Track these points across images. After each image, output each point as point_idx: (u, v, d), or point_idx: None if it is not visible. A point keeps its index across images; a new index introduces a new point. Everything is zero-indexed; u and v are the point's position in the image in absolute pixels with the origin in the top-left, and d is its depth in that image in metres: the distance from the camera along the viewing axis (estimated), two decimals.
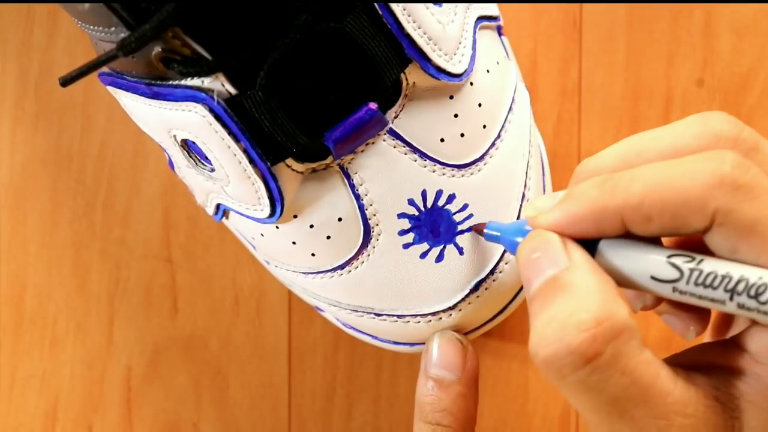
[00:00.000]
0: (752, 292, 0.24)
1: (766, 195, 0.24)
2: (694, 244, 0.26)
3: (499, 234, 0.30)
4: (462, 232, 0.33)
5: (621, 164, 0.26)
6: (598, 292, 0.25)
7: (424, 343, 0.34)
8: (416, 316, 0.34)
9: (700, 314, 0.29)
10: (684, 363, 0.27)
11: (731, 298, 0.24)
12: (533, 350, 0.25)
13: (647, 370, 0.24)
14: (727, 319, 0.29)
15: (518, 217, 0.34)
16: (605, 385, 0.24)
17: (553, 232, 0.26)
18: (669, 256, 0.25)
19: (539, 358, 0.24)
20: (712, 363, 0.26)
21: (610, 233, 0.26)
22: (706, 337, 0.29)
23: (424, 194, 0.33)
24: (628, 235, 0.26)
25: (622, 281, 0.26)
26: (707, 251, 0.25)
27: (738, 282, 0.24)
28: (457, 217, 0.33)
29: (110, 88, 0.33)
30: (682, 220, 0.24)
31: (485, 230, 0.30)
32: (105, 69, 0.33)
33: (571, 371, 0.24)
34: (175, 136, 0.32)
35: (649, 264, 0.25)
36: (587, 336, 0.24)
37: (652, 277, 0.25)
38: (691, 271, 0.25)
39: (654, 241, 0.26)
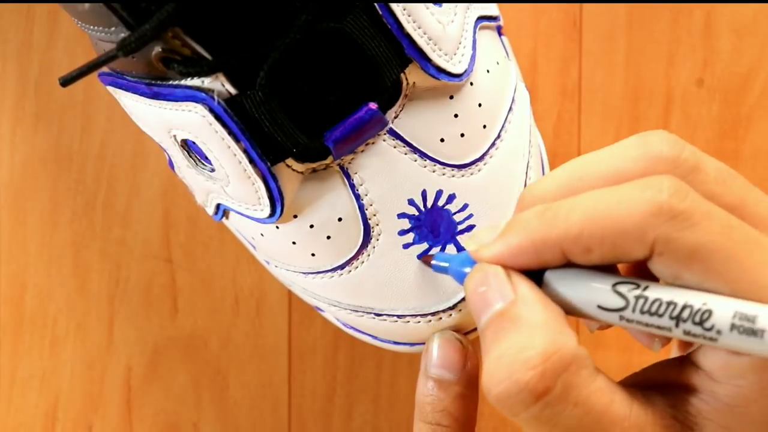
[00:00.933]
0: (697, 319, 0.24)
1: (705, 220, 0.24)
2: (643, 267, 0.26)
3: (447, 265, 0.30)
4: (462, 232, 0.33)
5: (563, 190, 0.26)
6: (544, 326, 0.24)
7: (424, 343, 0.34)
8: (416, 316, 0.34)
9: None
10: (641, 382, 0.27)
11: (677, 325, 0.24)
12: (485, 388, 0.25)
13: (600, 399, 0.24)
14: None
15: None
16: (559, 419, 0.24)
17: (497, 265, 0.26)
18: (614, 284, 0.25)
19: (491, 396, 0.24)
20: (669, 381, 0.26)
21: (552, 264, 0.25)
22: (672, 347, 0.29)
23: (424, 194, 0.33)
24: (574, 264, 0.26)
25: (570, 310, 0.26)
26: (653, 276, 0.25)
27: (683, 309, 0.24)
28: (457, 217, 0.33)
29: (110, 88, 0.33)
30: (622, 250, 0.24)
31: (433, 262, 0.30)
32: (105, 69, 0.33)
33: (522, 408, 0.24)
34: (175, 136, 0.32)
35: (595, 293, 0.25)
36: (536, 373, 0.24)
37: (599, 306, 0.25)
38: (637, 299, 0.24)
39: (602, 267, 0.26)
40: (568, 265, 0.26)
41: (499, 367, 0.24)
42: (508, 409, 0.24)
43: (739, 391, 0.25)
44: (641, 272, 0.26)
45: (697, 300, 0.24)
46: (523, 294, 0.25)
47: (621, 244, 0.24)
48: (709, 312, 0.24)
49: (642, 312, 0.25)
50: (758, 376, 0.24)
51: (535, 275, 0.26)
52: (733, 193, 0.25)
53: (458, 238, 0.33)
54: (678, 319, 0.24)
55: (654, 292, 0.24)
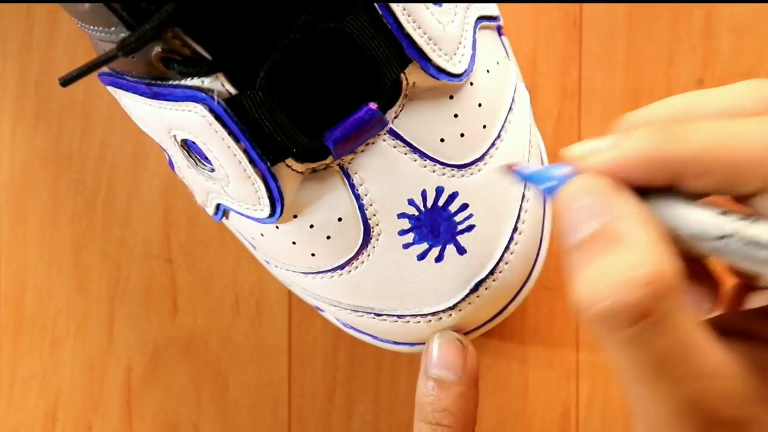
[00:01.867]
0: None
1: None
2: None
3: (533, 174, 0.27)
4: (462, 232, 0.33)
5: (669, 121, 0.25)
6: (654, 246, 0.23)
7: (424, 343, 0.34)
8: (416, 316, 0.34)
9: (709, 291, 0.29)
10: (724, 327, 0.26)
11: None
12: (582, 304, 0.23)
13: (693, 330, 0.24)
14: (739, 295, 0.29)
15: (518, 217, 0.34)
16: (653, 343, 0.23)
17: (605, 177, 0.25)
18: (722, 212, 0.24)
19: (590, 313, 0.23)
20: (749, 330, 0.26)
21: (661, 183, 0.24)
22: (717, 312, 0.29)
23: (424, 194, 0.33)
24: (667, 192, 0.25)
25: (673, 238, 0.25)
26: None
27: None
28: (457, 218, 0.33)
29: (110, 88, 0.33)
30: (739, 179, 0.24)
31: (519, 169, 0.28)
32: (105, 69, 0.33)
33: (621, 328, 0.23)
34: (175, 136, 0.32)
35: (703, 217, 0.24)
36: (645, 291, 0.23)
37: (718, 236, 0.24)
38: (745, 226, 0.24)
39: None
40: (666, 193, 0.25)
41: (602, 282, 0.23)
42: (606, 327, 0.23)
43: None
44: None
45: None
46: (631, 210, 0.24)
47: (740, 173, 0.24)
48: None
49: (746, 243, 0.24)
50: None
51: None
52: None
53: (458, 238, 0.33)
54: None
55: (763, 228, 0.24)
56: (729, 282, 0.29)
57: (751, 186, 0.24)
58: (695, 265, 0.29)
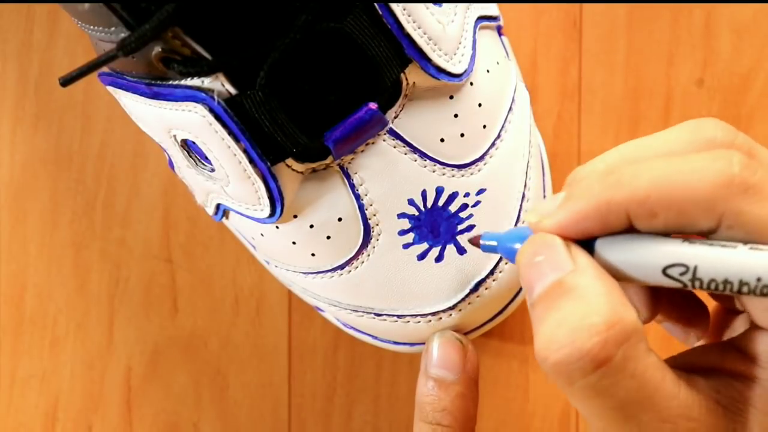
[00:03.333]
0: (757, 293, 0.23)
1: None
2: None
3: (496, 244, 0.29)
4: (462, 232, 0.33)
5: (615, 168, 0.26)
6: (607, 296, 0.24)
7: (424, 343, 0.34)
8: (416, 316, 0.34)
9: (698, 320, 0.29)
10: (683, 365, 0.26)
11: (739, 292, 0.24)
12: (541, 354, 0.24)
13: (654, 374, 0.24)
14: (725, 323, 0.29)
15: (518, 217, 0.34)
16: (614, 390, 0.24)
17: (555, 235, 0.26)
18: (665, 268, 0.24)
19: (549, 362, 0.24)
20: (711, 366, 0.26)
21: (614, 228, 0.25)
22: (706, 341, 0.29)
23: (424, 194, 0.33)
24: (618, 233, 0.25)
25: (626, 277, 0.25)
26: None
27: (740, 286, 0.24)
28: (457, 218, 0.33)
29: (110, 88, 0.33)
30: (689, 219, 0.24)
31: (481, 242, 0.30)
32: (105, 69, 0.33)
33: (581, 376, 0.24)
34: (175, 136, 0.32)
35: (665, 255, 0.24)
36: (599, 340, 0.23)
37: (665, 270, 0.24)
38: (691, 281, 0.24)
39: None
40: (615, 234, 0.25)
41: (559, 333, 0.24)
42: (565, 376, 0.24)
43: None
44: None
45: (751, 275, 0.23)
46: (582, 264, 0.25)
47: (689, 213, 0.24)
48: (763, 292, 0.23)
49: (699, 288, 0.24)
50: None
51: (587, 246, 0.25)
52: None
53: (458, 238, 0.33)
54: (739, 292, 0.24)
55: (706, 272, 0.24)
56: (715, 311, 0.29)
57: (703, 225, 0.24)
58: (682, 295, 0.29)
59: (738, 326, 0.28)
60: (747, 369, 0.25)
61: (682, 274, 0.24)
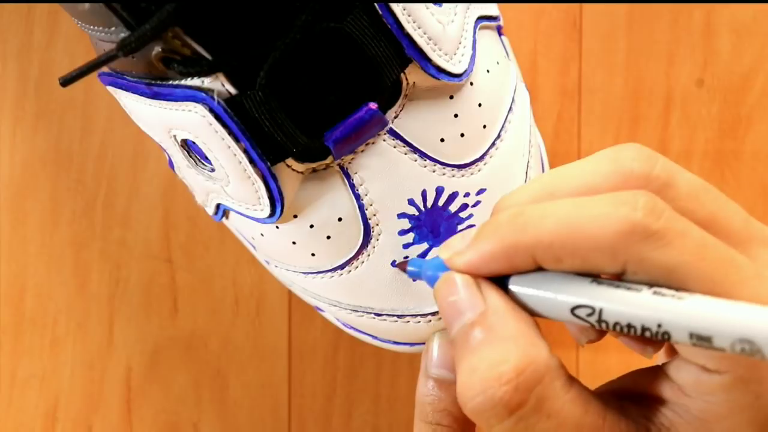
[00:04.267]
0: (659, 337, 0.23)
1: (679, 239, 0.23)
2: None
3: (419, 270, 0.30)
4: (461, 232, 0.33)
5: (535, 203, 0.26)
6: (516, 338, 0.24)
7: (424, 343, 0.34)
8: (416, 316, 0.34)
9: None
10: (617, 391, 0.27)
11: (643, 335, 0.24)
12: (460, 399, 0.25)
13: (573, 409, 0.24)
14: None
15: None
16: (533, 431, 0.24)
17: (466, 275, 0.26)
18: (572, 309, 0.24)
19: (466, 409, 0.25)
20: (643, 391, 0.26)
21: (523, 269, 0.25)
22: (661, 354, 0.29)
23: (424, 194, 0.33)
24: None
25: (538, 314, 0.26)
26: None
27: (643, 330, 0.24)
28: (457, 218, 0.33)
29: (110, 88, 0.33)
30: (593, 264, 0.24)
31: (407, 267, 0.30)
32: (105, 69, 0.33)
33: (497, 422, 0.24)
34: (175, 136, 0.32)
35: (573, 296, 0.25)
36: (509, 388, 0.24)
37: (573, 310, 0.25)
38: (598, 322, 0.24)
39: None
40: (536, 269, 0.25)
41: (472, 381, 0.24)
42: (483, 422, 0.25)
43: (709, 407, 0.25)
44: None
45: (652, 322, 0.23)
46: (493, 304, 0.25)
47: (592, 259, 0.24)
48: (668, 333, 0.23)
49: (607, 328, 0.24)
50: (728, 395, 0.24)
51: (501, 281, 0.26)
52: (706, 209, 0.25)
53: None
54: (642, 336, 0.24)
55: (611, 315, 0.24)
56: None
57: (609, 270, 0.24)
58: None
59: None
60: (675, 397, 0.25)
61: (589, 315, 0.24)
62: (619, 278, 0.24)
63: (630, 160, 0.25)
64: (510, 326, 0.25)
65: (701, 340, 0.23)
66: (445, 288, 0.26)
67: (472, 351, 0.25)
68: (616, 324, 0.24)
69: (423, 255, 0.33)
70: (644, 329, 0.23)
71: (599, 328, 0.24)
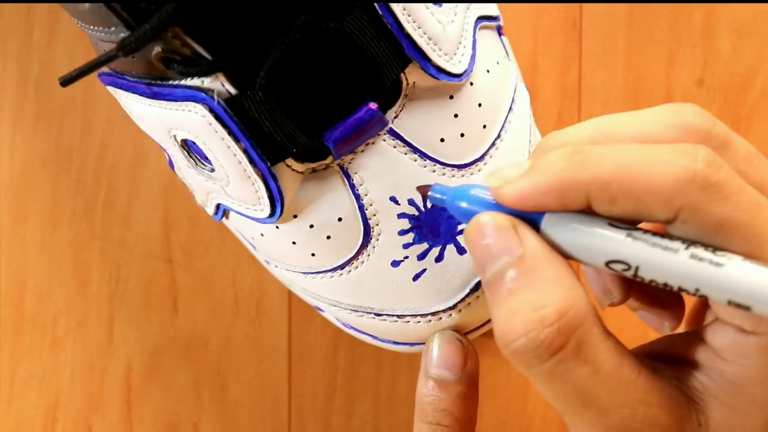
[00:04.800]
0: (696, 296, 0.24)
1: (736, 195, 0.23)
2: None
3: (444, 197, 0.28)
4: (462, 232, 0.33)
5: (588, 143, 0.26)
6: (557, 281, 0.24)
7: (424, 343, 0.34)
8: (416, 316, 0.34)
9: (673, 309, 0.29)
10: (650, 353, 0.27)
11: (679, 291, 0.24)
12: (500, 342, 0.25)
13: (610, 358, 0.24)
14: (699, 312, 0.29)
15: None
16: (569, 375, 0.24)
17: (502, 217, 0.26)
18: (607, 263, 0.24)
19: (506, 351, 0.25)
20: (677, 355, 0.26)
21: (572, 209, 0.25)
22: (681, 330, 0.29)
23: None
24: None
25: (571, 258, 0.25)
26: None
27: (679, 290, 0.24)
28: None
29: (110, 88, 0.33)
30: (647, 209, 0.24)
31: (430, 193, 0.29)
32: (105, 69, 0.33)
33: (537, 363, 0.24)
34: (175, 136, 0.32)
35: (608, 251, 0.24)
36: (552, 330, 0.24)
37: (608, 263, 0.25)
38: (633, 277, 0.24)
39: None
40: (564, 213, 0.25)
41: (513, 324, 0.24)
42: (523, 364, 0.25)
43: (744, 371, 0.25)
44: None
45: (691, 285, 0.24)
46: (531, 247, 0.25)
47: (647, 203, 0.24)
48: (705, 296, 0.23)
49: (641, 281, 0.24)
50: (764, 358, 0.24)
51: (531, 222, 0.25)
52: (759, 174, 0.25)
53: (458, 238, 0.33)
54: (679, 292, 0.24)
55: (647, 273, 0.24)
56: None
57: (661, 216, 0.24)
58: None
59: (712, 316, 0.28)
60: (710, 361, 0.25)
61: (624, 270, 0.24)
62: (663, 227, 0.24)
63: (692, 115, 0.25)
64: (550, 269, 0.25)
65: (739, 306, 0.23)
66: (479, 230, 0.26)
67: (510, 294, 0.25)
68: (651, 281, 0.24)
69: (423, 255, 0.33)
70: (681, 289, 0.24)
71: (634, 279, 0.25)
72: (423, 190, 0.30)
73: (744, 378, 0.25)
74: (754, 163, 0.25)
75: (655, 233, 0.24)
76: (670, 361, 0.26)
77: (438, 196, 0.29)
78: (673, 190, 0.23)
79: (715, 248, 0.24)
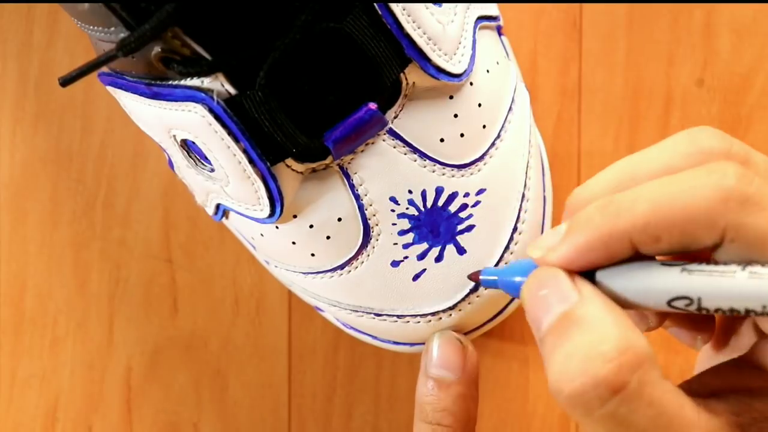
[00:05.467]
0: (764, 314, 0.23)
1: None
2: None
3: (497, 278, 0.29)
4: (461, 232, 0.33)
5: (614, 190, 0.26)
6: (615, 324, 0.24)
7: (424, 343, 0.34)
8: (416, 316, 0.34)
9: (705, 324, 0.29)
10: (699, 390, 0.26)
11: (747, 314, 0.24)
12: (555, 388, 0.24)
13: (673, 400, 0.24)
14: (729, 327, 0.29)
15: (518, 218, 0.34)
16: (633, 417, 0.23)
17: (557, 268, 0.25)
18: (669, 301, 0.24)
19: (564, 395, 0.23)
20: (728, 386, 0.26)
21: (620, 257, 0.25)
22: (710, 346, 0.29)
23: (423, 194, 0.33)
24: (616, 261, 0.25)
25: (630, 305, 0.25)
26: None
27: (746, 312, 0.23)
28: (457, 218, 0.33)
29: (110, 88, 0.33)
30: (692, 237, 0.24)
31: (481, 278, 0.29)
32: (105, 69, 0.33)
33: (599, 404, 0.23)
34: (174, 136, 0.32)
35: (668, 289, 0.24)
36: (612, 366, 0.23)
37: (670, 302, 0.24)
38: (698, 311, 0.24)
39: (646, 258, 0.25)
40: (614, 264, 0.25)
41: (571, 364, 0.23)
42: (582, 406, 0.23)
43: None
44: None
45: (757, 304, 0.23)
46: (588, 294, 0.25)
47: (691, 231, 0.23)
48: None
49: (705, 313, 0.24)
50: None
51: (588, 277, 0.25)
52: None
53: (458, 238, 0.33)
54: (747, 315, 0.24)
55: (711, 303, 0.24)
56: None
57: (707, 241, 0.24)
58: None
59: (744, 330, 0.28)
60: (764, 383, 0.25)
61: (687, 305, 0.24)
62: (712, 253, 0.24)
63: (708, 138, 0.25)
64: (606, 314, 0.24)
65: None
66: (536, 283, 0.25)
67: (568, 339, 0.24)
68: (717, 309, 0.24)
69: (422, 255, 0.33)
70: (748, 311, 0.23)
71: (698, 313, 0.24)
72: (474, 276, 0.30)
73: None
74: None
75: (708, 262, 0.24)
76: (722, 394, 0.25)
77: (490, 278, 0.29)
78: (713, 212, 0.23)
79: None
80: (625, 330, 0.24)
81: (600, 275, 0.25)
